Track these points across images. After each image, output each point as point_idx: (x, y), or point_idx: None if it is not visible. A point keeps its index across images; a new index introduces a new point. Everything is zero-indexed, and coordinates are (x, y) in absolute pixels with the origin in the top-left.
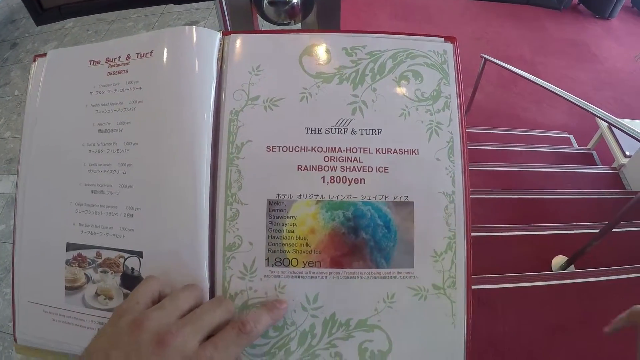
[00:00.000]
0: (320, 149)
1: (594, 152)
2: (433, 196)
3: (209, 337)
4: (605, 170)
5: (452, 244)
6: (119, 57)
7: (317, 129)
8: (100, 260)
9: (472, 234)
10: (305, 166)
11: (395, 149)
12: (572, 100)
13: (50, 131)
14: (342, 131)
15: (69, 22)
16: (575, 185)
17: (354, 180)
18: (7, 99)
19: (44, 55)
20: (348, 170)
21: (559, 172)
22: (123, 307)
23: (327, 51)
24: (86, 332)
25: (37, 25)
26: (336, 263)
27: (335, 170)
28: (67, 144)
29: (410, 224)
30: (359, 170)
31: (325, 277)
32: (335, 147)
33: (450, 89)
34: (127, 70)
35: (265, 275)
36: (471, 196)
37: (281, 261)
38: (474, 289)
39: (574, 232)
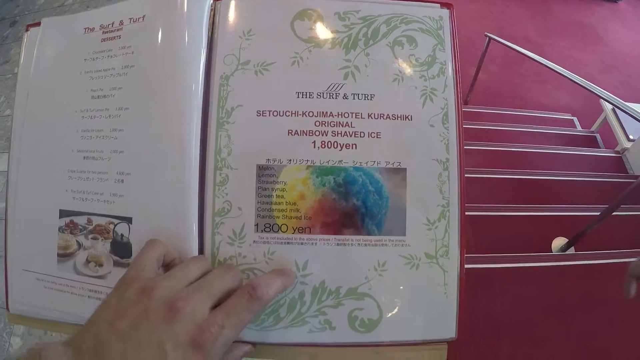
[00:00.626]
0: (311, 114)
1: (598, 135)
2: (427, 163)
3: (218, 304)
4: (609, 153)
5: (446, 212)
6: (112, 23)
7: (308, 94)
8: (91, 227)
9: (474, 213)
10: (296, 131)
11: (388, 114)
12: (577, 81)
13: (44, 100)
14: (334, 96)
15: None
16: (578, 167)
17: (346, 146)
18: (7, 77)
19: (38, 24)
20: (339, 135)
21: (562, 154)
22: (130, 275)
23: (320, 16)
24: (77, 299)
25: None
26: (326, 229)
27: (326, 135)
28: (61, 111)
29: (402, 191)
30: (351, 136)
31: (315, 243)
32: (326, 112)
33: (445, 55)
34: (120, 36)
35: (254, 241)
36: (473, 175)
37: (270, 227)
38: (473, 268)
39: (574, 214)
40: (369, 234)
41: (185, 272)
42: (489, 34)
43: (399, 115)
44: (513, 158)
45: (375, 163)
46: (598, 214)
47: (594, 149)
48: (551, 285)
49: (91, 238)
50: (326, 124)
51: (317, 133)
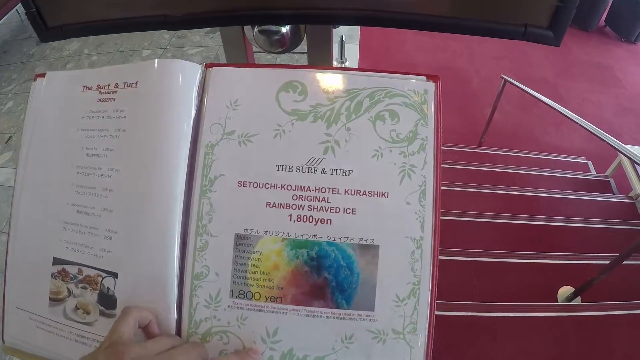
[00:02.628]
0: (289, 187)
1: (612, 180)
2: (400, 241)
3: None
4: (622, 199)
5: (416, 290)
6: (108, 85)
7: (288, 167)
8: (81, 277)
9: (481, 259)
10: (274, 203)
11: (364, 191)
12: (592, 130)
13: (45, 151)
14: (313, 170)
15: None
16: (590, 212)
17: (321, 220)
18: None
19: (44, 75)
20: (315, 210)
21: (575, 199)
22: (105, 343)
23: (305, 88)
24: (65, 342)
25: (42, 41)
26: (297, 300)
27: (302, 209)
28: (60, 164)
29: (374, 268)
30: (326, 211)
31: (286, 313)
32: (304, 186)
33: (427, 130)
34: (114, 99)
35: (229, 306)
36: (485, 220)
37: (244, 294)
38: (475, 316)
39: (583, 262)
40: (338, 307)
41: (156, 344)
42: (504, 77)
43: (375, 192)
44: (525, 202)
45: (349, 239)
46: (608, 262)
47: (607, 195)
48: (556, 336)
49: (81, 287)
50: (303, 198)
51: (294, 207)
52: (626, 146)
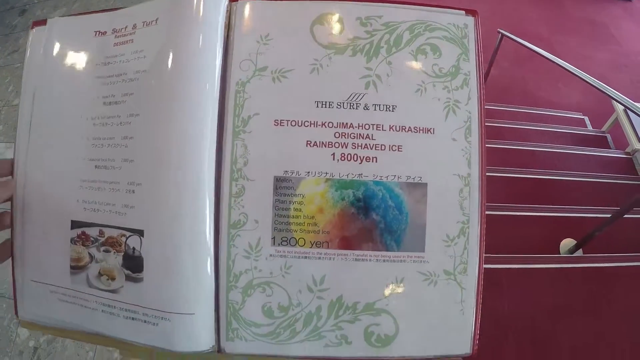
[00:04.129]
0: (330, 125)
1: (609, 135)
2: (448, 178)
3: None
4: (619, 154)
5: (466, 229)
6: (126, 27)
7: (327, 103)
8: (103, 239)
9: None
10: (315, 142)
11: (409, 127)
12: (589, 81)
13: (52, 104)
14: (355, 106)
15: None
16: (588, 168)
17: (366, 159)
18: (15, 66)
19: (44, 23)
20: (360, 147)
21: (572, 154)
22: None
23: (341, 21)
24: (91, 313)
25: None
26: (345, 244)
27: (346, 147)
28: (71, 117)
29: (423, 207)
30: (371, 148)
31: (333, 258)
32: (346, 123)
33: (469, 65)
34: (132, 40)
35: (270, 255)
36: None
37: (287, 240)
38: (484, 268)
39: (584, 215)
40: (387, 249)
41: None
42: (501, 30)
43: (421, 128)
44: (523, 156)
45: (396, 177)
46: (608, 215)
47: (604, 150)
48: (558, 287)
49: (103, 250)
50: (346, 136)
51: (336, 145)
52: (624, 96)
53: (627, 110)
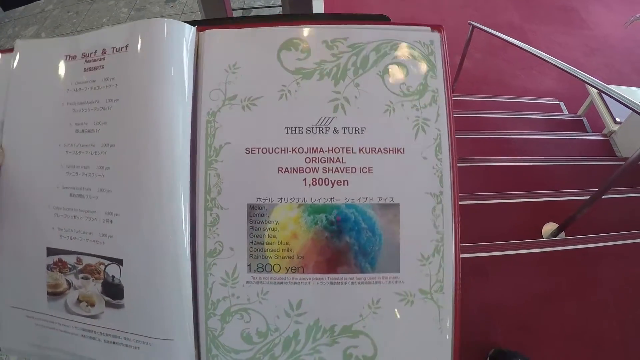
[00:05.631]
0: (301, 150)
1: (584, 119)
2: (420, 197)
3: None
4: (596, 136)
5: (440, 247)
6: (95, 52)
7: (297, 129)
8: (81, 266)
9: (463, 202)
10: (286, 168)
11: (379, 148)
12: (562, 67)
13: (23, 131)
14: (324, 130)
15: (49, 5)
16: (566, 152)
17: (337, 182)
18: None
19: (10, 50)
20: (330, 171)
21: (549, 139)
22: None
23: (307, 45)
24: (70, 338)
25: (4, 10)
26: (319, 268)
27: (317, 172)
28: (44, 144)
29: (396, 227)
30: (342, 172)
31: (309, 282)
32: (316, 148)
33: (437, 82)
34: (103, 66)
35: (247, 282)
36: (462, 164)
37: (263, 267)
38: (464, 258)
39: (564, 198)
40: (362, 271)
41: None
42: (472, 22)
43: (391, 149)
44: (500, 145)
45: (368, 199)
46: (587, 197)
47: (581, 133)
48: (543, 271)
49: (82, 277)
50: (317, 160)
51: (307, 170)
52: (599, 82)
53: (602, 93)
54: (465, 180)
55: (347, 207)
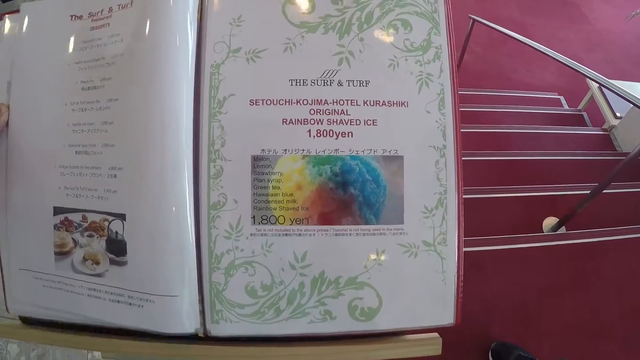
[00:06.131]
0: (305, 102)
1: (585, 114)
2: (423, 150)
3: None
4: (596, 131)
5: (443, 199)
6: (102, 11)
7: (302, 81)
8: (86, 224)
9: (463, 196)
10: (291, 120)
11: (383, 101)
12: (562, 61)
13: (29, 92)
14: (328, 82)
15: None
16: (566, 146)
17: (341, 134)
18: None
19: (16, 12)
20: (335, 123)
21: (550, 134)
22: None
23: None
24: (77, 298)
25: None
26: (324, 220)
27: (321, 124)
28: (50, 104)
29: (399, 179)
30: (347, 123)
31: (314, 234)
32: (321, 100)
33: (441, 39)
34: (109, 24)
35: (251, 234)
36: (462, 158)
37: (267, 219)
38: (466, 251)
39: (564, 193)
40: (367, 223)
41: None
42: (472, 16)
43: (395, 102)
44: (501, 139)
45: (372, 151)
46: (588, 192)
47: (582, 128)
48: (543, 265)
49: (87, 236)
50: (321, 112)
51: (312, 121)
52: (600, 76)
53: (602, 87)
54: (466, 174)
55: (352, 158)
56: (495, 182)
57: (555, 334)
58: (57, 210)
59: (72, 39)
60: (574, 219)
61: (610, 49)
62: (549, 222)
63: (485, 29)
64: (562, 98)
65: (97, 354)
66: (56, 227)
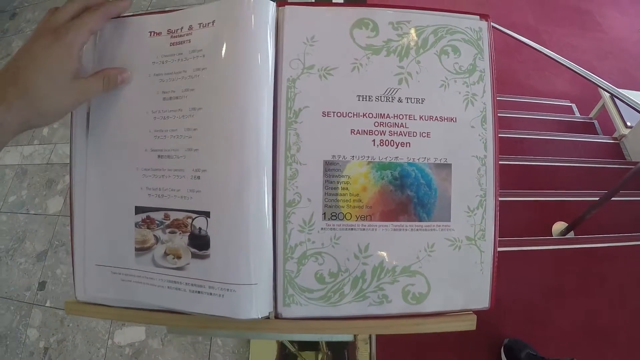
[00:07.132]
0: (370, 115)
1: (596, 122)
2: (468, 159)
3: None
4: (607, 139)
5: (483, 201)
6: (182, 28)
7: (367, 97)
8: (168, 222)
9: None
10: (358, 130)
11: (436, 117)
12: (575, 70)
13: (110, 100)
14: (390, 99)
15: None
16: (576, 153)
17: (401, 144)
18: None
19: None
20: (395, 134)
21: (560, 140)
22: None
23: (375, 25)
24: (156, 290)
25: None
26: (385, 217)
27: (384, 135)
28: (131, 112)
29: (448, 184)
30: (405, 135)
31: (375, 229)
32: (384, 114)
33: (484, 63)
34: (190, 40)
35: (322, 228)
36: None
37: (336, 215)
38: None
39: (574, 199)
40: (420, 220)
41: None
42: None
43: (445, 117)
44: (514, 145)
45: (426, 159)
46: (597, 199)
47: (592, 136)
48: (553, 267)
49: (169, 232)
50: (384, 125)
51: (376, 132)
52: (612, 86)
53: (613, 97)
54: None
55: (409, 165)
56: (508, 186)
57: (562, 334)
58: (139, 210)
59: (151, 53)
60: (583, 225)
61: (623, 57)
62: (558, 226)
63: (501, 35)
64: (574, 105)
65: (117, 339)
66: (137, 225)
